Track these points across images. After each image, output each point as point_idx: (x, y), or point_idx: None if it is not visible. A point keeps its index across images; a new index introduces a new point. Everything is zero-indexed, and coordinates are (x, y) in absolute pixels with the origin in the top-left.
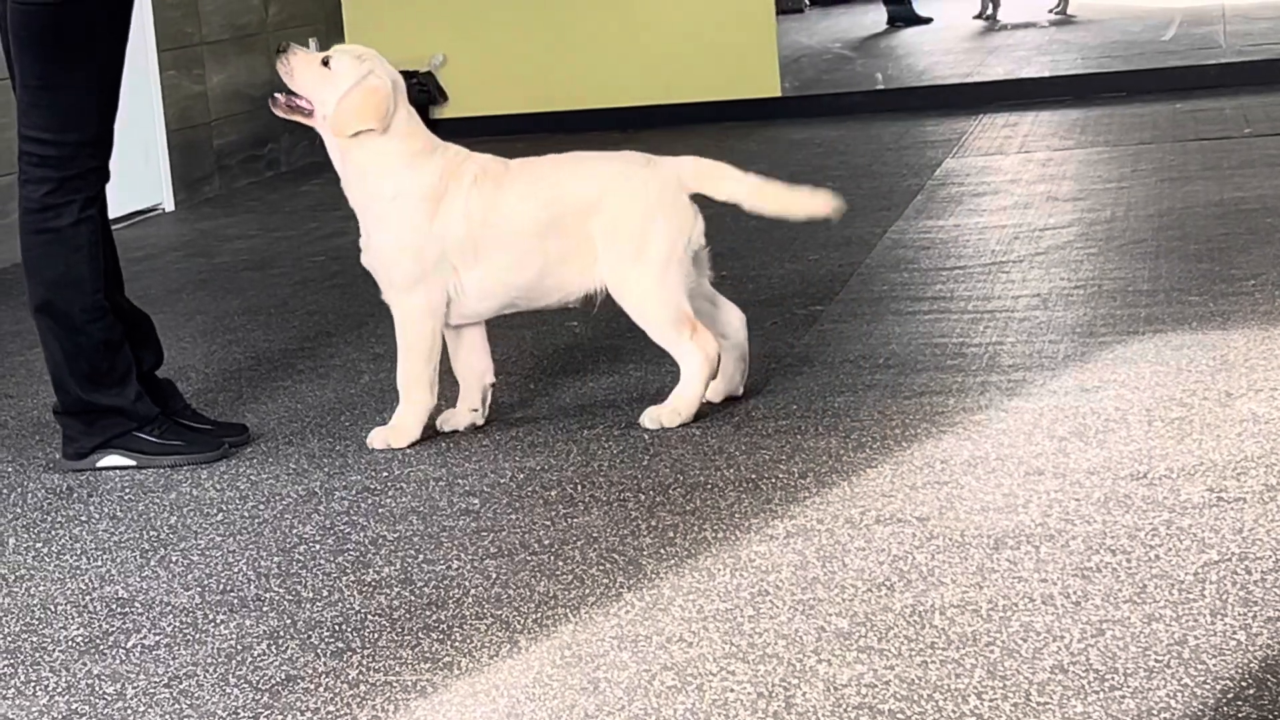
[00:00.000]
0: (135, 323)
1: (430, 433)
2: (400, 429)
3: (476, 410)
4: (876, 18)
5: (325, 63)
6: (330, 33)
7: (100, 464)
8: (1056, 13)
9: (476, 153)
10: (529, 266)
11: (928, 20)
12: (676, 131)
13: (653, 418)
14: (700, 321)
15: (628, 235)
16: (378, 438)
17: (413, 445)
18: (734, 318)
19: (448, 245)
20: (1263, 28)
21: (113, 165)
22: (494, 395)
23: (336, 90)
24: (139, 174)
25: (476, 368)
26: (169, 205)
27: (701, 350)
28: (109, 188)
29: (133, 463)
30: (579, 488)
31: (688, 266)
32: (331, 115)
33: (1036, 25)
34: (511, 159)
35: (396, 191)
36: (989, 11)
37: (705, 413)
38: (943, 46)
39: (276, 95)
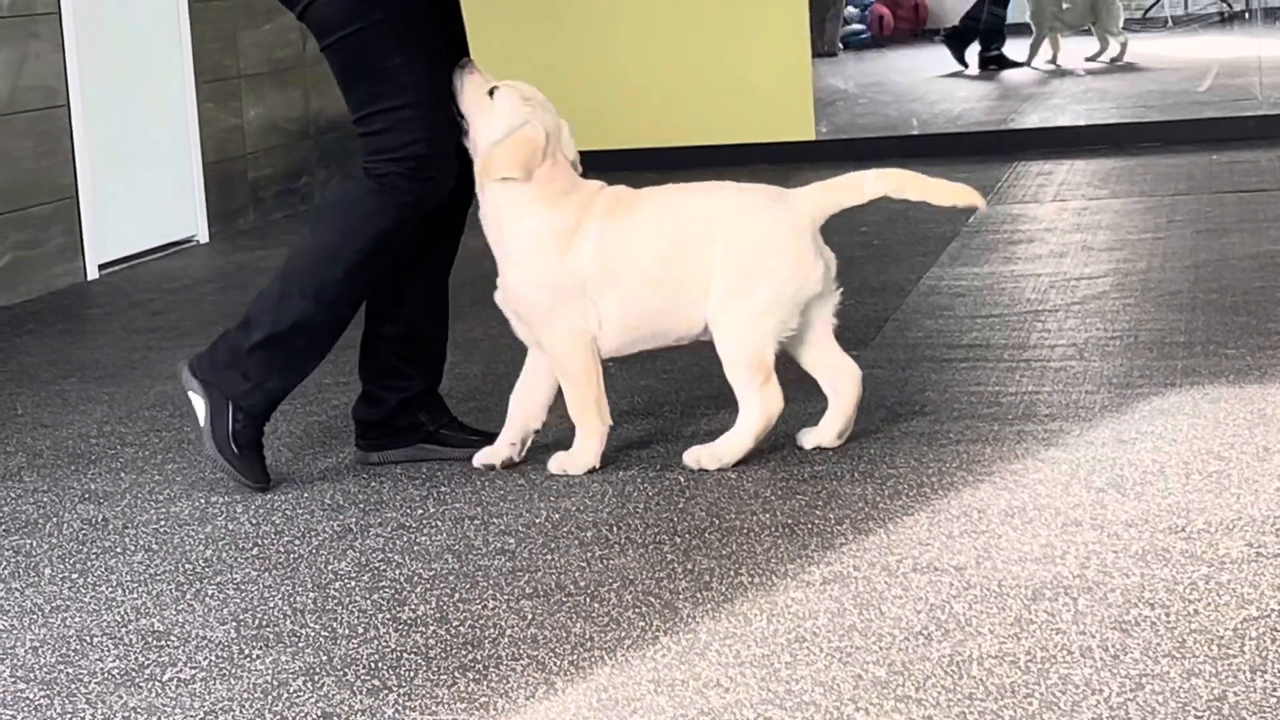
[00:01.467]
0: (424, 343)
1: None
2: (579, 455)
3: (515, 446)
4: (912, 62)
5: (492, 92)
6: None
7: (189, 390)
8: (1113, 61)
9: (612, 185)
10: (657, 295)
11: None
12: (711, 173)
13: (694, 457)
14: (817, 372)
15: (740, 269)
16: (556, 463)
17: (590, 472)
18: (844, 377)
19: (583, 278)
20: None
21: (146, 197)
22: (534, 441)
23: (490, 124)
24: (174, 206)
25: (530, 408)
26: (203, 237)
27: (763, 404)
28: (141, 218)
29: (202, 410)
30: (614, 530)
31: (790, 314)
32: (481, 156)
33: (1074, 74)
34: (642, 188)
35: (531, 231)
36: (1043, 58)
37: (746, 458)
38: (978, 93)
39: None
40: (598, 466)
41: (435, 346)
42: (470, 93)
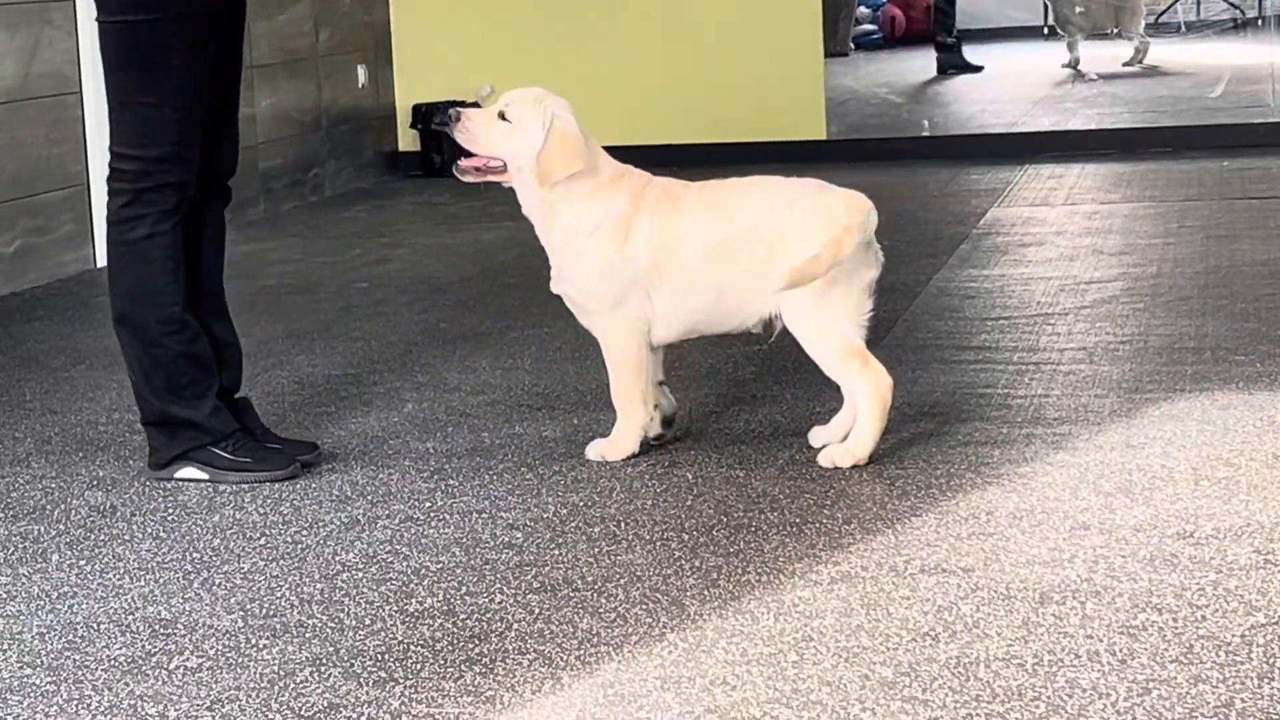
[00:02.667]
0: (220, 345)
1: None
2: (618, 442)
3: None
4: (924, 64)
5: (502, 115)
6: (379, 60)
7: (178, 475)
8: (1126, 64)
9: (657, 176)
10: (705, 290)
11: (979, 68)
12: (721, 170)
13: (829, 458)
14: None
15: (792, 264)
16: (594, 450)
17: (629, 459)
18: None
19: (638, 269)
20: None
21: None
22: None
23: (527, 140)
24: None
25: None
26: None
27: (873, 387)
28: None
29: (206, 476)
30: (622, 525)
31: (860, 297)
32: (536, 169)
33: (1086, 78)
34: (693, 182)
35: (595, 224)
36: (1072, 61)
37: (759, 456)
38: (989, 95)
39: (460, 163)
40: (635, 453)
41: (223, 351)
42: (485, 130)
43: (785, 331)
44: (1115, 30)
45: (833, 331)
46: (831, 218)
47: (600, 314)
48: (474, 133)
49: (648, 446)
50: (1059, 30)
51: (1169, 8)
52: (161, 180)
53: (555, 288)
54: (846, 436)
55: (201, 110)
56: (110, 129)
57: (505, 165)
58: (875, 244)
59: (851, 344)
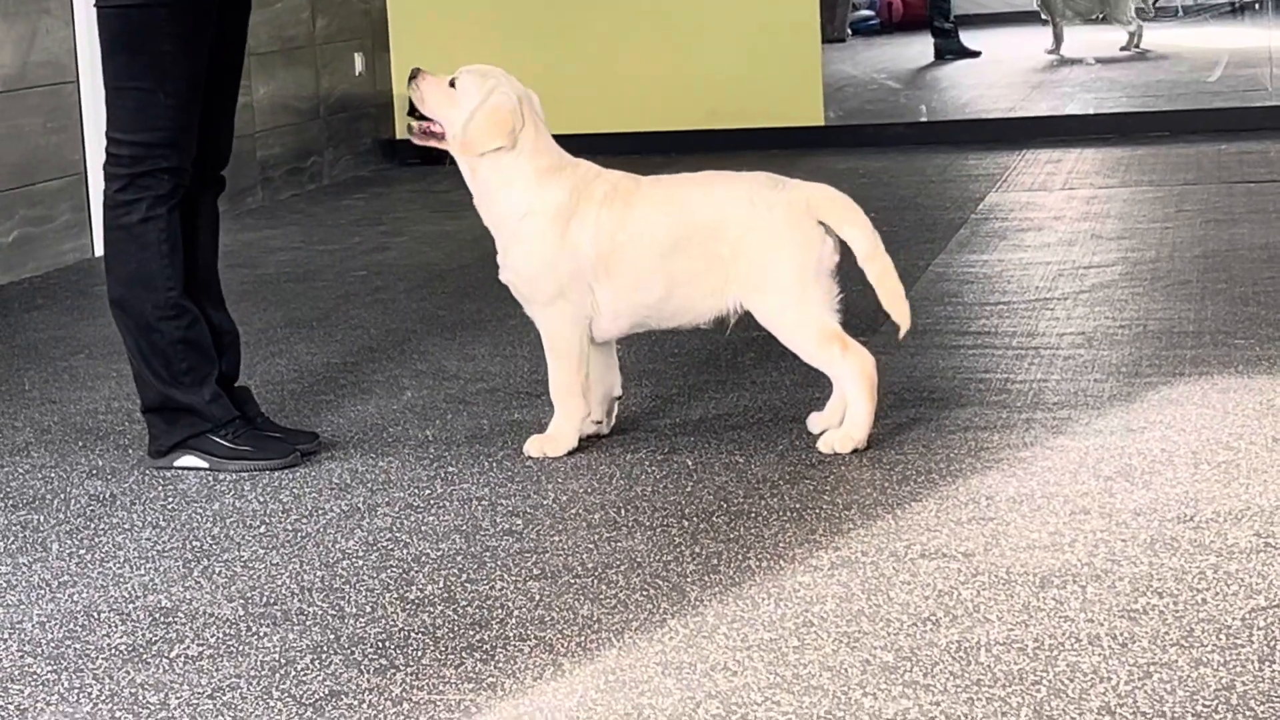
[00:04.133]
0: (218, 333)
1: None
2: (556, 438)
3: (600, 423)
4: (921, 49)
5: (452, 84)
6: (376, 47)
7: (177, 463)
8: (1132, 49)
9: (608, 170)
10: (656, 286)
11: (976, 54)
12: (719, 158)
13: (828, 443)
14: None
15: (753, 260)
16: (534, 446)
17: (570, 454)
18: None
19: (580, 263)
20: None
21: None
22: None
23: (463, 110)
24: None
25: (605, 381)
26: None
27: (857, 369)
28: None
29: (206, 465)
30: (622, 512)
31: (826, 284)
32: (460, 136)
33: (1083, 63)
34: (644, 176)
35: (527, 209)
36: (1055, 46)
37: (749, 441)
38: (986, 80)
39: (411, 124)
40: (575, 448)
41: (221, 338)
42: (432, 93)
43: (747, 324)
44: (1101, 16)
45: (806, 321)
46: (793, 212)
47: (540, 304)
48: (424, 93)
49: (585, 441)
50: (1043, 15)
51: None
52: (157, 165)
53: (501, 276)
54: (842, 421)
55: (198, 97)
56: (107, 114)
57: (444, 133)
58: (824, 234)
59: (827, 329)
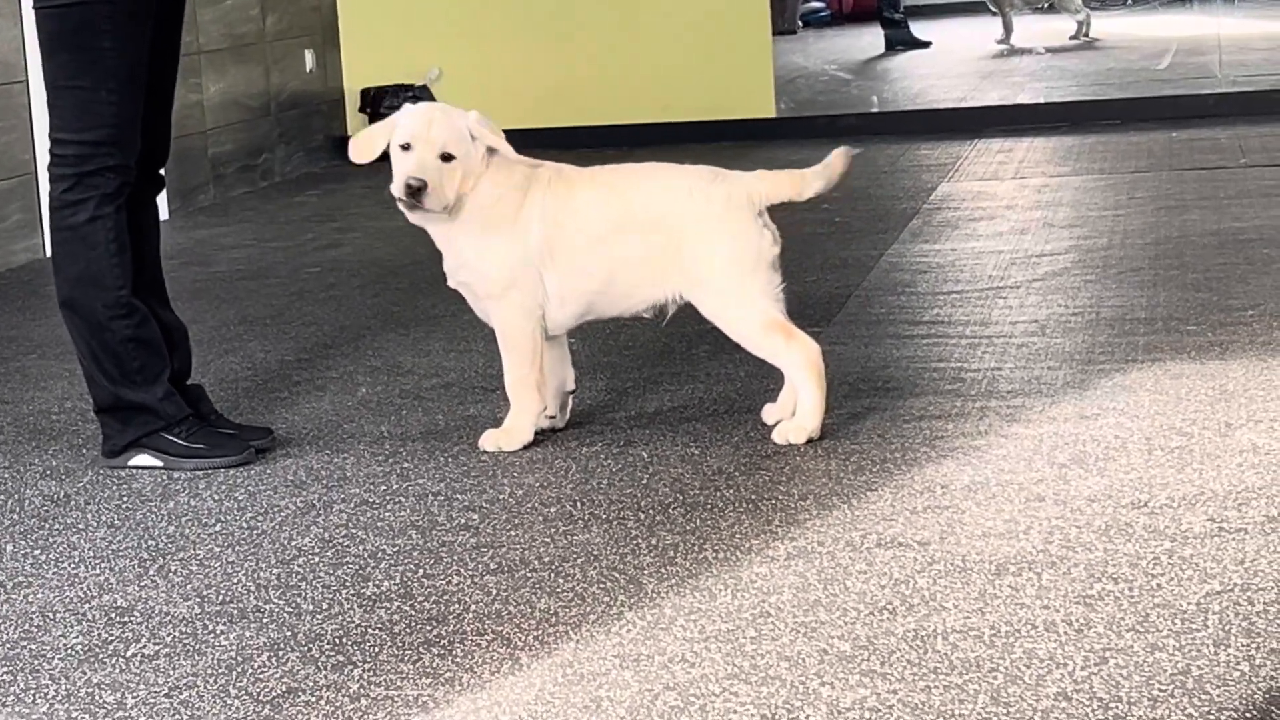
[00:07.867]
0: (167, 330)
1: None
2: (512, 431)
3: (554, 417)
4: (872, 40)
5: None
6: (327, 44)
7: (131, 463)
8: (1081, 38)
9: (555, 162)
10: (597, 272)
11: (926, 44)
12: (671, 150)
13: (782, 435)
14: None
15: (693, 253)
16: (489, 440)
17: (526, 448)
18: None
19: (529, 249)
20: (1257, 58)
21: None
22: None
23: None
24: None
25: (558, 375)
26: (164, 214)
27: (802, 357)
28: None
29: (160, 463)
30: (578, 505)
31: (767, 275)
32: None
33: (1033, 52)
34: (587, 167)
35: (478, 205)
36: (1005, 36)
37: (714, 433)
38: (937, 70)
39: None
40: (530, 442)
41: (171, 335)
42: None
43: (700, 318)
44: (1049, 4)
45: (748, 312)
46: (719, 199)
47: (493, 297)
48: (433, 185)
49: (542, 435)
50: (991, 7)
51: None
52: (103, 164)
53: (451, 281)
54: (795, 412)
55: (139, 93)
56: (49, 114)
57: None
58: (771, 223)
59: (770, 319)
